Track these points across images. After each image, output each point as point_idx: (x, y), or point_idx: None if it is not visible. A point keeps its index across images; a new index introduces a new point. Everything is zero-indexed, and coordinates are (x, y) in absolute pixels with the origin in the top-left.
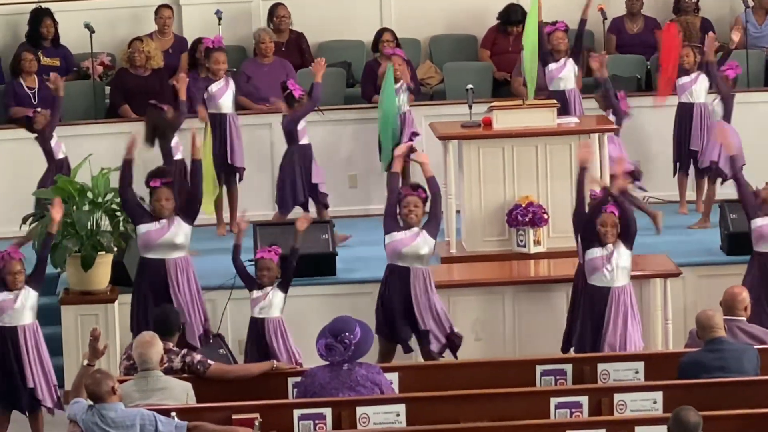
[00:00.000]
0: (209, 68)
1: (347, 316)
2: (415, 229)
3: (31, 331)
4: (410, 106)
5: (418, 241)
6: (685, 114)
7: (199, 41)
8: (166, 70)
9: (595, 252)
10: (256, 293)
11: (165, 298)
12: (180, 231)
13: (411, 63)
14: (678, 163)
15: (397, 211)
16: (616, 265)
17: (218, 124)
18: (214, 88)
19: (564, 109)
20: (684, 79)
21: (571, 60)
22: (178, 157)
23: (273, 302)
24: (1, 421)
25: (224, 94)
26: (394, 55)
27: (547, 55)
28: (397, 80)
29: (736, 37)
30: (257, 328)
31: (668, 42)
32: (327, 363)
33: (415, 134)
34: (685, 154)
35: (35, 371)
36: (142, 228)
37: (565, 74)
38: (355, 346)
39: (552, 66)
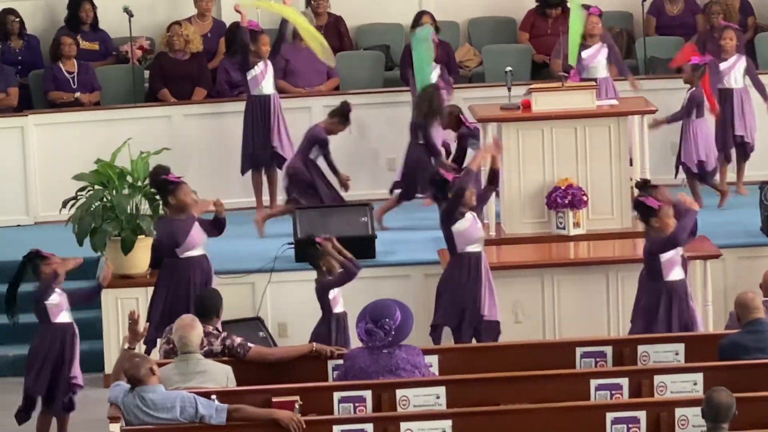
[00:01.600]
0: (255, 51)
1: (388, 299)
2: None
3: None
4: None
5: (480, 225)
6: (725, 99)
7: (236, 25)
8: (205, 54)
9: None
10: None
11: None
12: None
13: (450, 46)
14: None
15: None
16: None
17: (261, 106)
18: (257, 70)
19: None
20: (723, 65)
21: (605, 48)
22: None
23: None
24: (43, 421)
25: (267, 76)
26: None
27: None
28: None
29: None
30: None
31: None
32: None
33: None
34: (729, 139)
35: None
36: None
37: (598, 61)
38: (396, 331)
39: (585, 53)
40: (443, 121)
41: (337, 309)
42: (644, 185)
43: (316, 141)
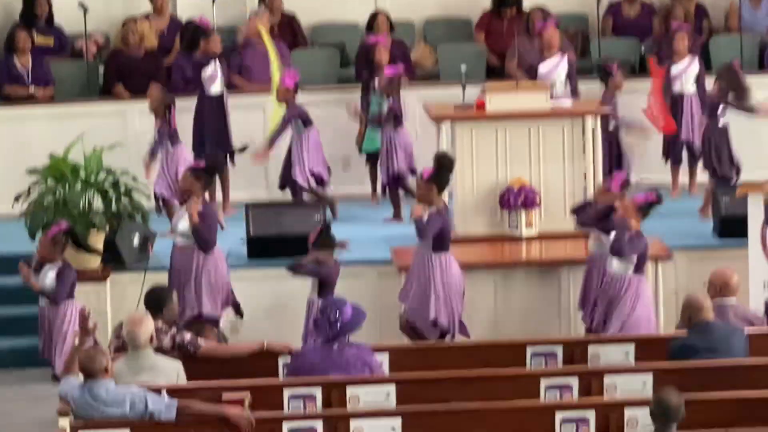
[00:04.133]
0: (206, 50)
1: (341, 298)
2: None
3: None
4: (404, 89)
5: None
6: (676, 104)
7: (190, 22)
8: (160, 51)
9: None
10: None
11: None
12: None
13: (405, 44)
14: (669, 152)
15: None
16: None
17: (215, 106)
18: (209, 69)
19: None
20: (675, 69)
21: (565, 60)
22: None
23: None
24: None
25: (218, 76)
26: (378, 44)
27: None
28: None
29: None
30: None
31: (656, 80)
32: (318, 343)
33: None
34: (678, 142)
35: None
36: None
37: (557, 75)
38: (343, 324)
39: (543, 68)
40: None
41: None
42: None
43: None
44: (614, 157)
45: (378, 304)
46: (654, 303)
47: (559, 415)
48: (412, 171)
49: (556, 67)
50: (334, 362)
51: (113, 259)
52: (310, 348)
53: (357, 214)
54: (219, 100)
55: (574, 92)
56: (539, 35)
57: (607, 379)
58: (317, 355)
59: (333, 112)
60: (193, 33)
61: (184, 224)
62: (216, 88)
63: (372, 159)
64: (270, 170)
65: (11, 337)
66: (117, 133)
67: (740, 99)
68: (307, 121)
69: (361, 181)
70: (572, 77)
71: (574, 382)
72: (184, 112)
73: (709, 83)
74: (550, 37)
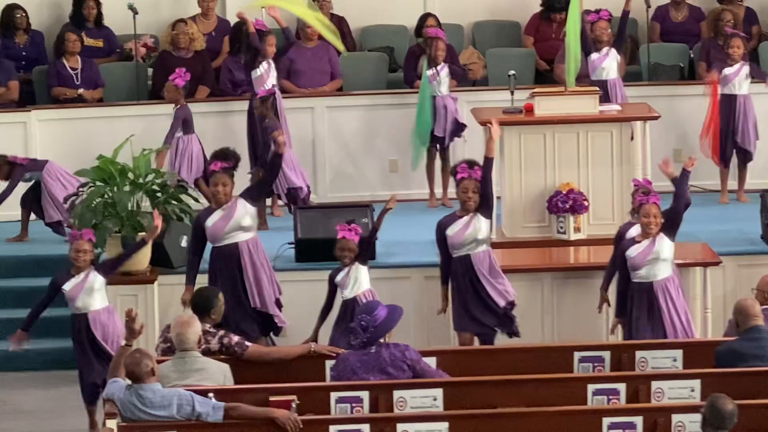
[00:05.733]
0: (261, 51)
1: (374, 300)
2: (466, 218)
3: (102, 317)
4: (451, 91)
5: (472, 228)
6: (728, 105)
7: (241, 24)
8: (208, 53)
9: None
10: (340, 275)
11: (240, 280)
12: (246, 213)
13: (453, 48)
14: (722, 154)
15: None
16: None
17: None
18: (261, 69)
19: (606, 99)
20: (728, 71)
21: (613, 50)
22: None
23: (360, 278)
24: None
25: (270, 77)
26: (437, 38)
27: (589, 44)
28: (437, 62)
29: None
30: (350, 308)
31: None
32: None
33: (462, 126)
34: (729, 145)
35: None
36: (209, 222)
37: (608, 64)
38: (375, 328)
39: (594, 56)
40: None
41: (347, 294)
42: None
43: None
44: None
45: (425, 308)
46: (702, 308)
47: (606, 420)
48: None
49: (606, 55)
50: (373, 365)
51: (161, 261)
52: (350, 354)
53: (406, 218)
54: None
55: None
56: (590, 26)
57: (655, 385)
58: (356, 358)
59: (381, 116)
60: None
61: (248, 220)
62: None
63: (429, 164)
64: (318, 174)
65: (54, 339)
66: (165, 135)
67: None
68: (188, 127)
69: (407, 186)
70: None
71: (621, 387)
72: (235, 114)
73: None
74: (601, 31)
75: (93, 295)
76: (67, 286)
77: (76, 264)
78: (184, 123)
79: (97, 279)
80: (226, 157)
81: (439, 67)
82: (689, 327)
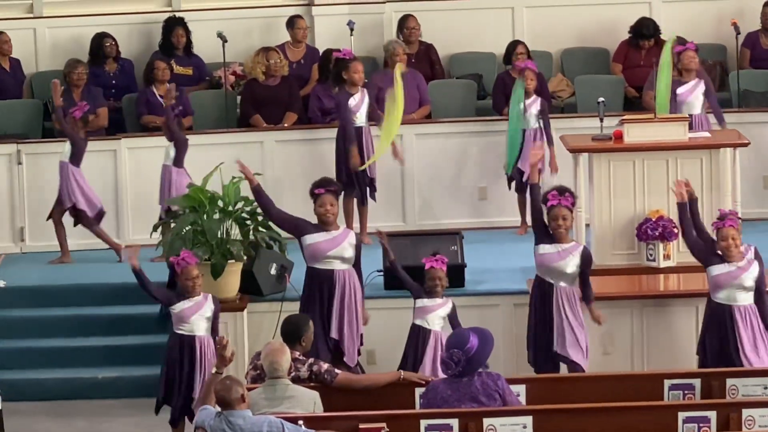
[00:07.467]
0: (347, 79)
1: (465, 329)
2: (567, 246)
3: (205, 344)
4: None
5: (568, 260)
6: None
7: (330, 52)
8: (295, 79)
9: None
10: (427, 302)
11: (327, 306)
12: (350, 245)
13: (543, 76)
14: None
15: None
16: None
17: (357, 136)
18: (353, 100)
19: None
20: None
21: (702, 83)
22: None
23: (442, 315)
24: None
25: (362, 106)
26: (527, 69)
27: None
28: (528, 94)
29: None
30: (420, 336)
31: None
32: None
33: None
34: None
35: (198, 384)
36: (310, 239)
37: (693, 99)
38: (467, 361)
39: (680, 89)
40: None
41: (419, 321)
42: None
43: None
44: None
45: (513, 335)
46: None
47: None
48: None
49: (693, 89)
50: (464, 394)
51: (250, 289)
52: (441, 381)
53: (496, 245)
54: (358, 130)
55: (717, 113)
56: (677, 57)
57: (746, 413)
58: (447, 388)
59: (470, 143)
60: (335, 64)
61: (350, 252)
62: (360, 119)
63: (519, 188)
64: (406, 201)
65: (142, 367)
66: (254, 163)
67: None
68: (78, 158)
69: (496, 214)
70: (713, 98)
71: (712, 414)
72: (324, 142)
73: None
74: (689, 60)
75: (204, 320)
76: (176, 308)
77: (193, 294)
78: (77, 152)
79: (210, 307)
80: (330, 182)
81: (528, 102)
82: None
